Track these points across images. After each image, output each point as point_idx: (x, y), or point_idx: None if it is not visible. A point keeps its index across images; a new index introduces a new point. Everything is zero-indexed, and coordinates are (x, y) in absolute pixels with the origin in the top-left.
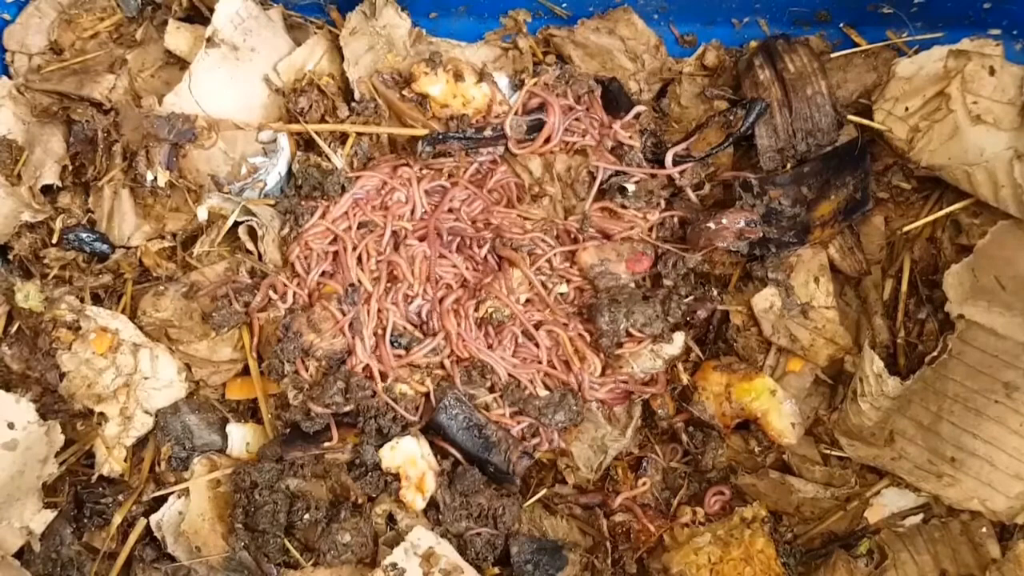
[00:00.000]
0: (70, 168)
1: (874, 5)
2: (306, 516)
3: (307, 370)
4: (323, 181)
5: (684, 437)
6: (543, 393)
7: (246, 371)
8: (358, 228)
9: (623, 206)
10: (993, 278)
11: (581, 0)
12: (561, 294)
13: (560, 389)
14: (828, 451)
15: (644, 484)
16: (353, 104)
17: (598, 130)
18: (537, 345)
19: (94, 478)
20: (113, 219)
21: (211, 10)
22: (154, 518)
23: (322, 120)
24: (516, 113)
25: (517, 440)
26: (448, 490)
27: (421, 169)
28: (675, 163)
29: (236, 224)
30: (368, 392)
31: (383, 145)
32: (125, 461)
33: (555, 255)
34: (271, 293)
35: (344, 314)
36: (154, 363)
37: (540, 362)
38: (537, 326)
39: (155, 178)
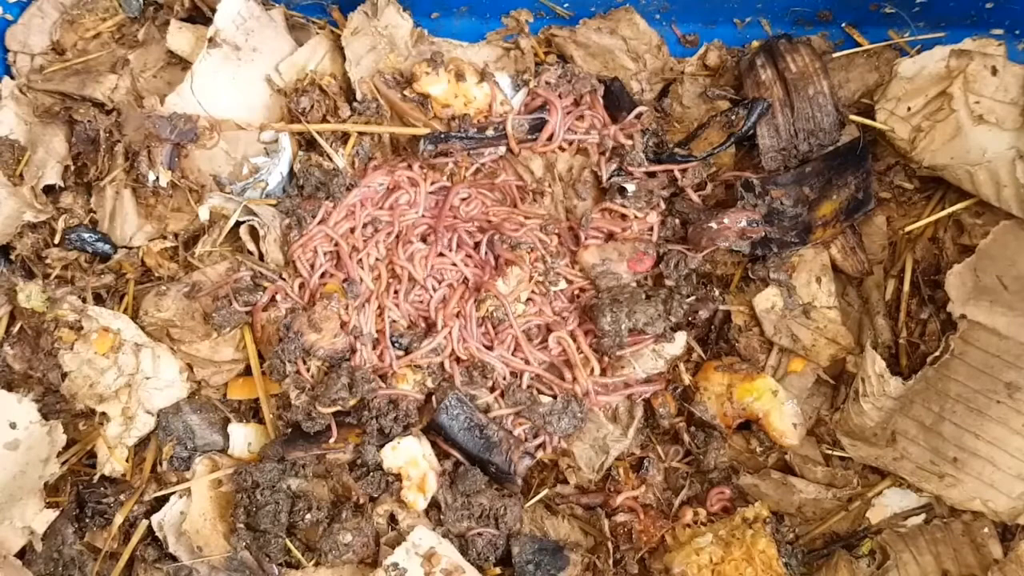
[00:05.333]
0: (72, 168)
1: (876, 5)
2: (308, 516)
3: (308, 370)
4: (327, 181)
5: (686, 437)
6: (546, 399)
7: (248, 371)
8: (362, 228)
9: (623, 206)
10: (995, 278)
11: (583, 0)
12: (560, 290)
13: (564, 396)
14: (830, 451)
15: (642, 487)
16: (355, 104)
17: (599, 130)
18: (544, 346)
19: (96, 478)
20: (115, 219)
21: (213, 10)
22: (156, 518)
23: (324, 120)
24: (518, 113)
25: (518, 440)
26: (450, 490)
27: (421, 167)
28: (677, 163)
29: (238, 224)
30: (373, 385)
31: (384, 145)
32: (127, 461)
33: (555, 253)
34: (276, 297)
35: (346, 312)
36: (156, 363)
37: (541, 363)
38: (546, 330)
39: (157, 178)
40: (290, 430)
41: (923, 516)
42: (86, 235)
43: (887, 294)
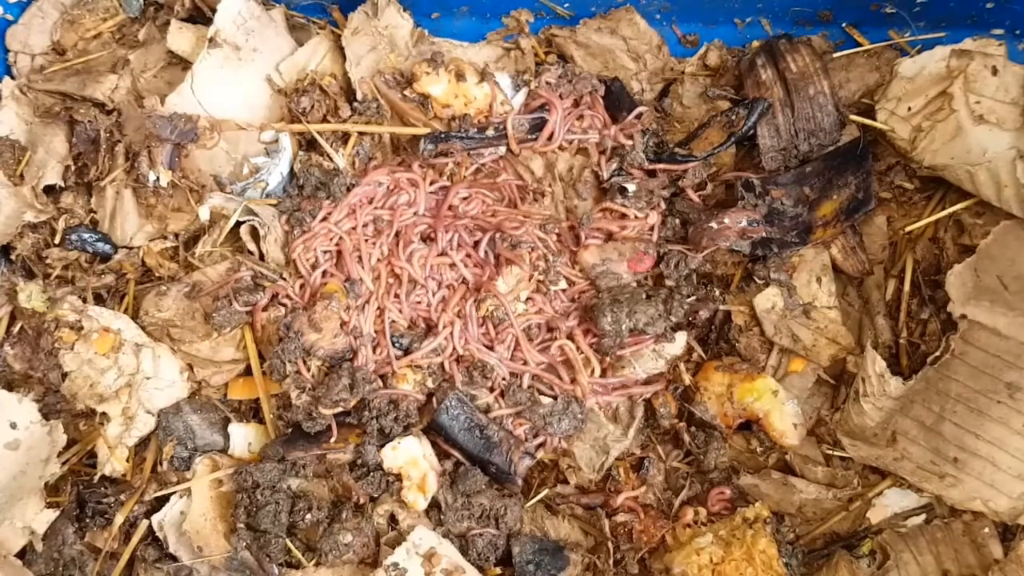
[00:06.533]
0: (73, 168)
1: (877, 5)
2: (308, 516)
3: (309, 370)
4: (327, 181)
5: (686, 437)
6: (546, 400)
7: (248, 371)
8: (363, 227)
9: (624, 206)
10: (996, 278)
11: (583, 0)
12: (561, 290)
13: (564, 397)
14: (830, 451)
15: (642, 487)
16: (355, 104)
17: (599, 130)
18: (546, 346)
19: (96, 478)
20: (115, 219)
21: (213, 10)
22: (156, 518)
23: (324, 120)
24: (518, 113)
25: (519, 440)
26: (450, 490)
27: (421, 167)
28: (677, 163)
29: (238, 224)
30: (374, 385)
31: (385, 145)
32: (127, 461)
33: (555, 252)
34: (278, 300)
35: (346, 313)
36: (156, 363)
37: (540, 364)
38: (547, 328)
39: (157, 178)
40: (290, 430)
41: (923, 516)
42: (86, 235)
43: (887, 294)
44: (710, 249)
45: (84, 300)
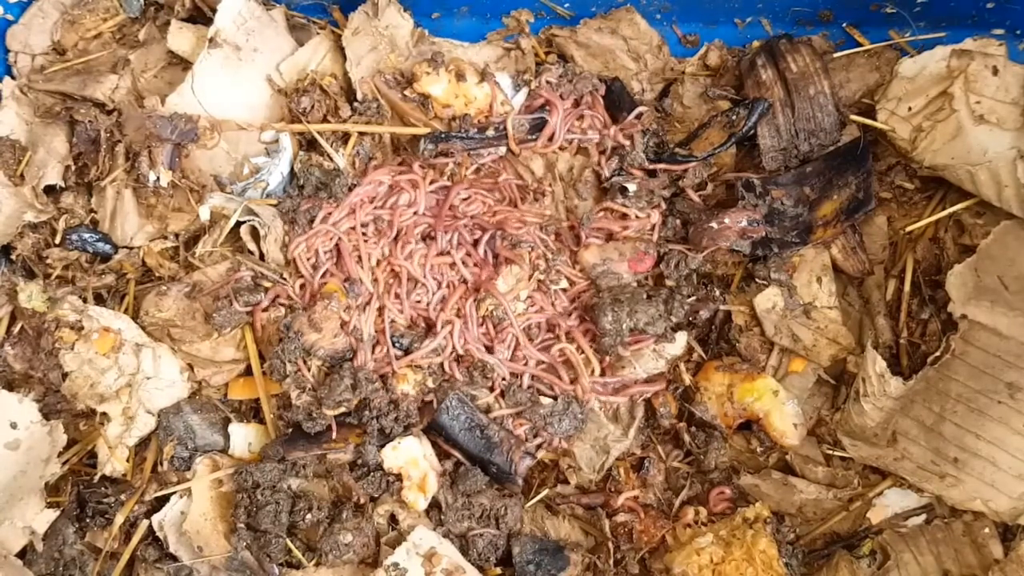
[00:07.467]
0: (73, 168)
1: (877, 5)
2: (308, 516)
3: (309, 370)
4: (327, 181)
5: (686, 437)
6: (546, 401)
7: (248, 371)
8: (363, 227)
9: (624, 206)
10: (996, 278)
11: (583, 0)
12: (562, 289)
13: (564, 397)
14: (831, 451)
15: (642, 487)
16: (355, 104)
17: (599, 130)
18: (547, 345)
19: (96, 478)
20: (116, 219)
21: (214, 10)
22: (156, 518)
23: (324, 120)
24: (518, 113)
25: (519, 440)
26: (450, 490)
27: (422, 167)
28: (677, 163)
29: (238, 224)
30: (376, 385)
31: (385, 145)
32: (127, 461)
33: (555, 252)
34: (278, 301)
35: (346, 313)
36: (156, 363)
37: (540, 364)
38: (547, 326)
39: (158, 178)
40: (290, 430)
41: (924, 516)
42: (87, 235)
43: (888, 294)
44: (710, 249)
45: (84, 300)
